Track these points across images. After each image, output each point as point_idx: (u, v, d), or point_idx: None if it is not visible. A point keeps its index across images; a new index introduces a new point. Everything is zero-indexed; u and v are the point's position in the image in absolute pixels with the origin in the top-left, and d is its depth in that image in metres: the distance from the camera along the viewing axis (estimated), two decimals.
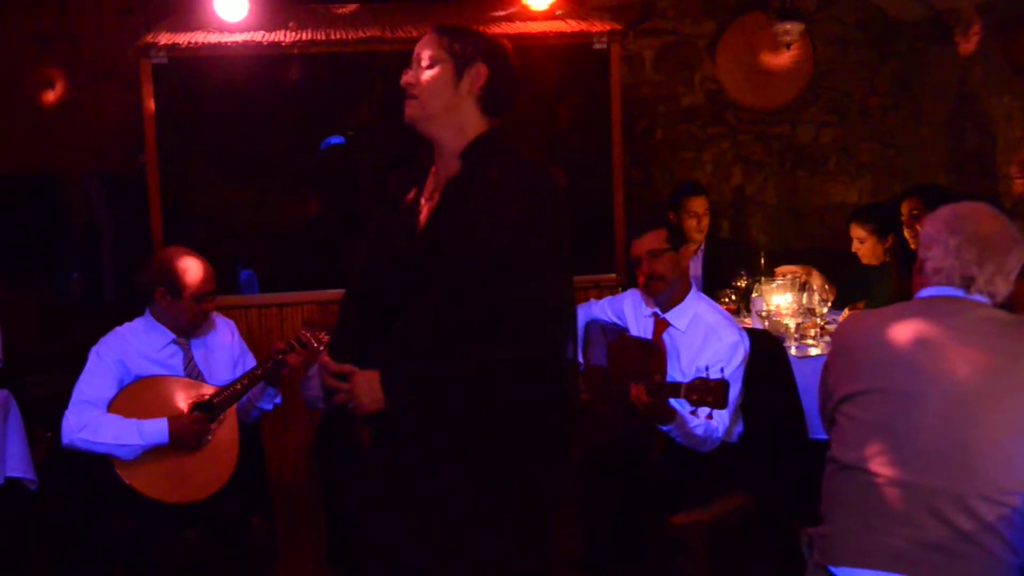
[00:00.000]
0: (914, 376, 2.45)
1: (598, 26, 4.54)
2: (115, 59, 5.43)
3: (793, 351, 4.22)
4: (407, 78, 2.53)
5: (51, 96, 5.98)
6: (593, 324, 4.09)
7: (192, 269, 3.63)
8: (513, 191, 2.42)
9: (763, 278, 4.77)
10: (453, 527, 2.43)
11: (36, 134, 5.94)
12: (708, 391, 3.12)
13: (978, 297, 2.51)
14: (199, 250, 3.78)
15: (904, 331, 2.50)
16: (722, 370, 3.48)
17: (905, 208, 4.82)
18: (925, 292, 2.59)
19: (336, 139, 4.60)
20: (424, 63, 2.51)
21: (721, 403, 3.12)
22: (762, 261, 5.36)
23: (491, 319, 2.35)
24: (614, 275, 4.65)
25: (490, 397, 2.37)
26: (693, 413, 3.19)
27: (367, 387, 2.40)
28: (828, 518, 2.57)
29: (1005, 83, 5.63)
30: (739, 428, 3.75)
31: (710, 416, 3.17)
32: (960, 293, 2.52)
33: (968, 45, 5.80)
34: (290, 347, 3.63)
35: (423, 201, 2.56)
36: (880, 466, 2.44)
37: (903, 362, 2.47)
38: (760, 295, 4.62)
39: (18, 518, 4.01)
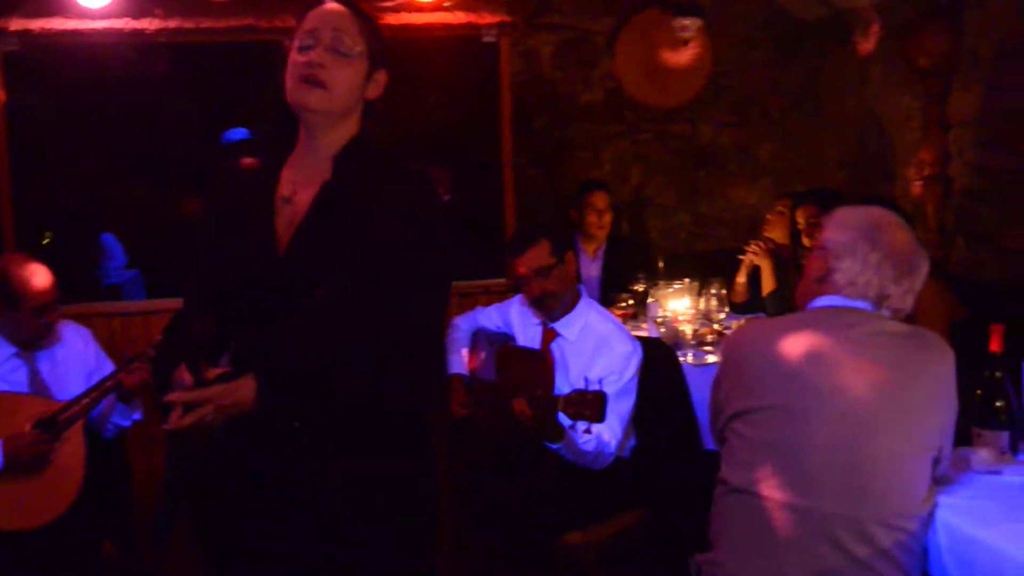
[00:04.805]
0: (807, 392, 2.32)
1: (487, 18, 4.39)
2: None
3: (690, 358, 4.08)
4: (318, 57, 2.19)
5: None
6: (480, 333, 3.88)
7: (29, 279, 3.40)
8: (394, 198, 2.22)
9: (661, 282, 4.63)
10: (315, 531, 2.23)
11: None
12: (585, 404, 2.93)
13: (883, 311, 2.36)
14: (58, 251, 3.52)
15: (797, 344, 2.37)
16: (613, 382, 3.31)
17: (801, 216, 4.73)
18: (822, 301, 2.43)
19: (239, 132, 4.27)
20: (343, 49, 2.20)
21: (598, 416, 2.92)
22: (660, 264, 5.22)
23: (364, 325, 2.15)
24: (504, 280, 4.45)
25: (354, 398, 2.17)
26: (571, 428, 3.00)
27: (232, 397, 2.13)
28: (718, 544, 2.44)
29: (903, 84, 5.59)
30: (632, 442, 3.58)
31: (588, 430, 2.98)
32: (863, 305, 2.36)
33: (867, 45, 5.73)
34: (144, 355, 3.38)
35: (279, 201, 2.32)
36: (771, 489, 2.32)
37: (795, 377, 2.34)
38: (656, 300, 4.48)
39: None
